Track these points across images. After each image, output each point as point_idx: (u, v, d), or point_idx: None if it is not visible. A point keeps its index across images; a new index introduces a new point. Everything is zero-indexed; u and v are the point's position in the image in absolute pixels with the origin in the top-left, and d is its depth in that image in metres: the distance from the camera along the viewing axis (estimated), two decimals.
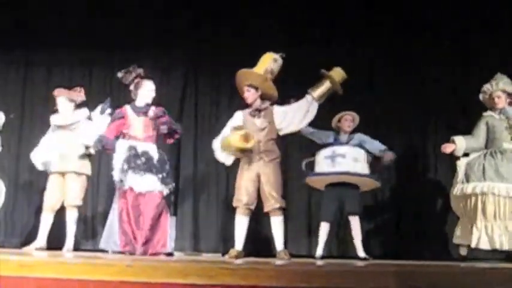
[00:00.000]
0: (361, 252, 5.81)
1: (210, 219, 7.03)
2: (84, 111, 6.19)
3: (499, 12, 6.67)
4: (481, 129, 5.65)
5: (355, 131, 5.95)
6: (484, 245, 5.35)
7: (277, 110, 5.41)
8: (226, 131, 5.39)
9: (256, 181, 5.29)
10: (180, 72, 7.28)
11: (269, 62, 5.34)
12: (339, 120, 5.97)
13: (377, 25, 6.97)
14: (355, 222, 5.80)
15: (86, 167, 6.14)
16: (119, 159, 5.46)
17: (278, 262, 4.83)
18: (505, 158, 5.43)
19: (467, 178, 5.51)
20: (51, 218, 6.07)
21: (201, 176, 7.07)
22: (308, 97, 5.31)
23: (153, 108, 5.65)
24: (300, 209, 7.10)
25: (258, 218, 5.84)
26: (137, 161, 5.39)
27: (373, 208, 6.76)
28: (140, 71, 5.62)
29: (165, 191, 5.55)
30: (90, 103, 7.03)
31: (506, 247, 5.28)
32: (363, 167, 5.69)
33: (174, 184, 5.74)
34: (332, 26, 7.10)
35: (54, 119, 6.20)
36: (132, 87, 5.65)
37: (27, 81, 7.29)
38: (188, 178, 7.10)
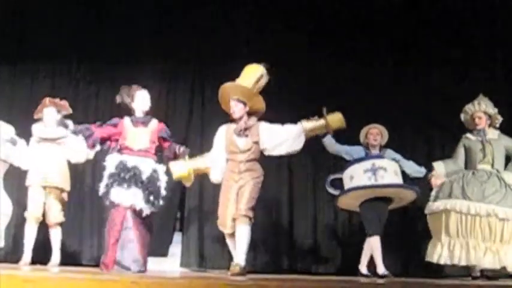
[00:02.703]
0: (363, 268, 5.80)
1: (216, 235, 6.89)
2: (71, 125, 6.01)
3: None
4: (459, 152, 5.87)
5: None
6: (444, 260, 5.51)
7: (264, 127, 5.22)
8: (213, 150, 5.31)
9: (237, 201, 5.07)
10: (187, 84, 7.31)
11: (258, 76, 5.17)
12: (366, 136, 5.89)
13: (379, 37, 7.11)
14: (376, 239, 5.63)
15: (67, 182, 6.05)
16: (106, 174, 5.32)
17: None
18: (476, 178, 5.55)
19: (436, 197, 5.68)
20: (35, 229, 5.91)
21: (208, 192, 6.96)
22: (299, 126, 5.17)
23: (155, 121, 5.57)
24: (306, 226, 7.04)
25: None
26: (122, 174, 5.21)
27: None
28: (130, 88, 5.53)
29: (147, 211, 5.26)
30: (96, 117, 7.06)
31: (464, 262, 5.42)
32: (401, 180, 5.63)
33: (160, 204, 5.35)
34: (336, 37, 7.19)
35: (39, 130, 6.00)
36: (131, 105, 5.57)
37: (32, 95, 7.28)
38: (194, 194, 7.05)
